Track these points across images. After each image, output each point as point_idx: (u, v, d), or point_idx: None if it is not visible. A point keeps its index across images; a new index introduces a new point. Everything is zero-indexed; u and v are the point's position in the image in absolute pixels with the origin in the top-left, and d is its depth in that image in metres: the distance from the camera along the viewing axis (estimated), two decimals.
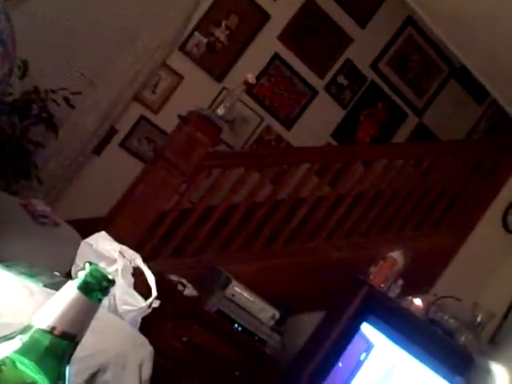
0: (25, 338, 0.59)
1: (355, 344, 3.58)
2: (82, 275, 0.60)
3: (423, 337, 3.70)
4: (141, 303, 1.90)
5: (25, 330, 0.60)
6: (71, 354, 0.61)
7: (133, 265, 1.99)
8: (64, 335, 0.60)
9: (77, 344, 0.61)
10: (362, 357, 3.60)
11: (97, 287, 0.61)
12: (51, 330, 0.59)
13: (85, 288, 0.60)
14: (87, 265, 0.61)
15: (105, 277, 0.61)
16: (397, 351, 3.66)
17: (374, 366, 3.60)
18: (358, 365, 3.60)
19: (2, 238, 2.30)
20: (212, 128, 3.61)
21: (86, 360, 1.61)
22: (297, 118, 5.16)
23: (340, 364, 3.59)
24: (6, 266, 1.92)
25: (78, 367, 1.61)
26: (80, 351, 1.62)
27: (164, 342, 3.25)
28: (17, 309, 1.56)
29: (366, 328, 3.62)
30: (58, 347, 0.60)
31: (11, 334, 0.61)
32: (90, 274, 0.60)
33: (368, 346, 3.59)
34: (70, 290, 0.60)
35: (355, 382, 3.55)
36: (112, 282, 0.62)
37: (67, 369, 0.61)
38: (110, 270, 1.89)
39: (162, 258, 3.72)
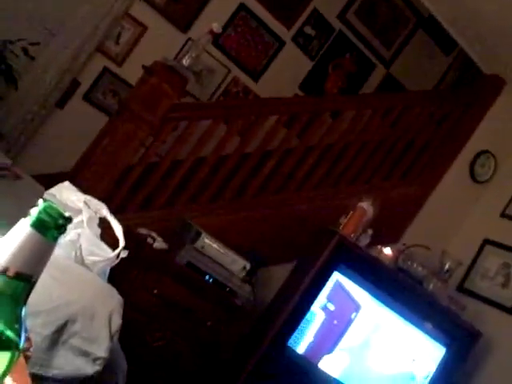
0: None
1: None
2: (35, 212, 0.56)
3: (393, 284, 3.74)
4: (108, 254, 1.87)
5: None
6: (27, 296, 0.57)
7: (98, 215, 1.95)
8: (18, 276, 0.56)
9: (33, 285, 0.57)
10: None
11: (52, 225, 0.56)
12: (4, 271, 0.55)
13: (39, 226, 0.56)
14: (40, 201, 0.57)
15: (60, 214, 0.57)
16: (368, 299, 3.70)
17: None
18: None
19: None
20: (178, 79, 3.53)
21: (54, 312, 1.59)
22: (264, 70, 5.09)
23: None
24: None
25: (45, 319, 1.59)
26: (47, 303, 1.59)
27: (135, 294, 3.23)
28: None
29: (338, 276, 3.65)
30: (12, 289, 0.56)
31: None
32: (44, 210, 0.56)
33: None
34: (23, 229, 0.56)
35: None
36: (68, 220, 0.58)
37: (23, 311, 0.58)
38: (76, 221, 1.85)
39: (130, 211, 3.67)
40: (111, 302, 1.72)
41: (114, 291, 1.77)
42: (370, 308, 3.71)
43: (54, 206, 0.57)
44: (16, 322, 0.57)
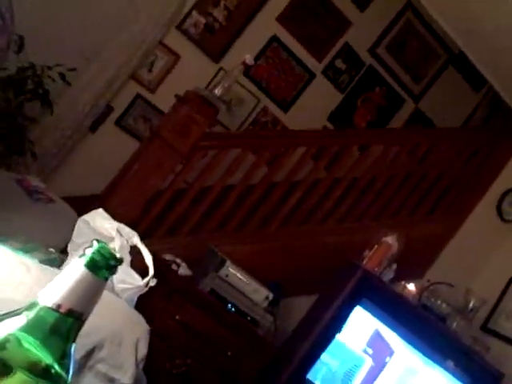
0: (30, 315, 0.58)
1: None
2: (89, 253, 0.59)
3: (416, 321, 3.72)
4: (138, 282, 1.90)
5: (30, 307, 0.59)
6: (77, 333, 0.60)
7: (130, 243, 1.99)
8: (70, 313, 0.59)
9: (83, 322, 0.60)
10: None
11: (104, 265, 0.60)
12: (57, 308, 0.58)
13: (92, 266, 0.59)
14: (95, 242, 0.60)
15: (112, 255, 0.60)
16: (397, 340, 3.68)
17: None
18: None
19: None
20: (209, 108, 3.59)
21: (84, 337, 1.61)
22: (294, 101, 5.14)
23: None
24: (1, 241, 1.90)
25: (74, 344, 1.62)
26: None
27: (157, 320, 3.24)
28: (14, 284, 1.55)
29: (360, 312, 3.63)
30: (63, 325, 0.59)
31: (16, 310, 0.60)
32: (98, 251, 0.59)
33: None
34: (77, 268, 0.59)
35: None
36: (119, 261, 0.61)
37: (73, 347, 0.61)
38: None
39: (157, 237, 3.71)
40: (139, 329, 1.74)
41: (141, 319, 1.80)
42: (400, 350, 3.69)
43: (107, 247, 0.60)
44: (65, 357, 0.60)
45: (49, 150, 4.20)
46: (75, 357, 1.61)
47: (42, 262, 1.84)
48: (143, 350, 1.72)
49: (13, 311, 0.60)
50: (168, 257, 3.55)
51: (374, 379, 3.66)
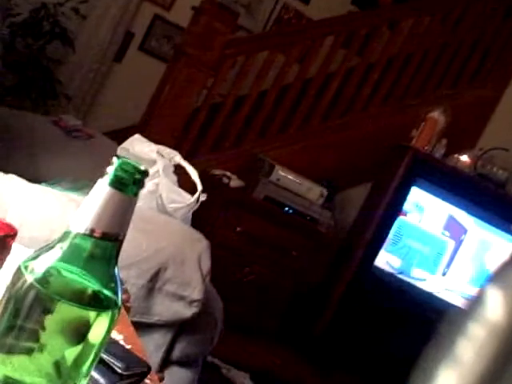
0: (65, 245, 0.57)
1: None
2: (111, 171, 0.57)
3: (474, 192, 3.66)
4: (188, 199, 1.90)
5: (63, 237, 0.57)
6: (118, 254, 0.59)
7: (173, 163, 1.98)
8: (105, 236, 0.57)
9: (121, 242, 0.58)
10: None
11: (130, 181, 0.57)
12: (91, 233, 0.56)
13: (117, 183, 0.56)
14: (115, 159, 0.57)
15: (136, 168, 0.57)
16: (451, 209, 3.65)
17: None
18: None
19: (41, 158, 2.31)
20: (228, 14, 3.49)
21: (145, 262, 1.64)
22: None
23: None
24: (51, 184, 1.92)
25: (138, 270, 1.64)
26: (138, 254, 1.64)
27: (219, 234, 3.30)
28: (67, 223, 1.57)
29: (417, 192, 3.60)
30: (101, 250, 0.57)
31: (49, 244, 0.58)
32: (120, 167, 0.57)
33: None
34: (103, 189, 0.57)
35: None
36: (145, 173, 0.58)
37: (116, 269, 0.59)
38: (152, 171, 1.89)
39: (202, 154, 3.71)
40: (198, 245, 1.75)
41: (199, 235, 1.80)
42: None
43: (129, 161, 0.57)
44: (111, 281, 0.59)
45: (80, 88, 4.18)
46: (142, 281, 1.64)
47: None
48: (207, 264, 1.74)
49: (46, 246, 0.58)
50: (217, 172, 3.56)
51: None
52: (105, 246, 0.57)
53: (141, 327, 1.44)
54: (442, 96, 4.21)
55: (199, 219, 2.19)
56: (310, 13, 4.92)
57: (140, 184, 0.58)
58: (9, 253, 0.88)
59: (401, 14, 4.29)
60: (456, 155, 3.82)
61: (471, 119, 4.24)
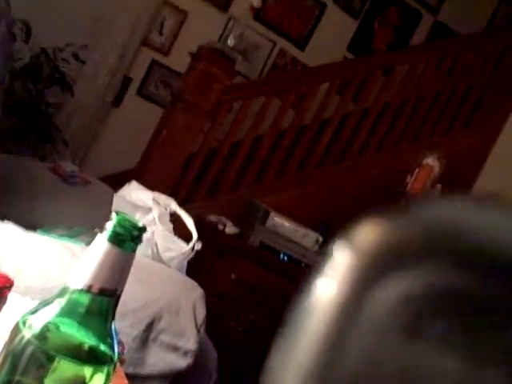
0: (63, 300, 0.57)
1: None
2: (110, 227, 0.57)
3: None
4: (183, 247, 1.90)
5: (62, 292, 0.58)
6: (115, 309, 0.59)
7: (169, 210, 1.98)
8: (103, 292, 0.57)
9: (118, 298, 0.58)
10: None
11: (128, 237, 0.57)
12: (89, 289, 0.56)
13: (115, 239, 0.57)
14: (114, 215, 0.57)
15: (134, 225, 0.57)
16: None
17: None
18: None
19: (37, 204, 2.31)
20: (225, 60, 3.53)
21: (140, 312, 1.63)
22: (309, 37, 5.02)
23: None
24: (46, 231, 1.92)
25: (133, 319, 1.63)
26: (132, 304, 1.63)
27: (214, 282, 3.28)
28: (62, 271, 1.56)
29: None
30: (99, 305, 0.57)
31: (48, 299, 0.58)
32: (119, 223, 0.57)
33: None
34: (101, 244, 0.57)
35: None
36: (143, 230, 0.58)
37: (113, 325, 0.59)
38: (147, 219, 1.88)
39: (198, 200, 3.71)
40: (193, 294, 1.74)
41: (194, 283, 1.80)
42: None
43: (128, 218, 0.58)
44: (108, 336, 0.58)
45: (77, 132, 4.21)
46: (136, 332, 1.63)
47: (89, 243, 1.85)
48: (201, 314, 1.72)
49: (45, 301, 0.58)
50: (213, 218, 3.55)
51: None
52: (102, 301, 0.58)
53: (134, 378, 1.42)
54: (437, 142, 4.25)
55: (194, 267, 2.18)
56: (306, 59, 5.00)
57: (138, 240, 0.58)
58: (5, 303, 0.88)
59: (395, 60, 4.36)
60: None
61: (465, 165, 4.27)
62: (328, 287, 0.29)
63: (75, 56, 3.99)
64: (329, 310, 0.29)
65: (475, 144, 4.35)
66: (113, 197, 2.09)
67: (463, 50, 4.42)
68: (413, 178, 3.70)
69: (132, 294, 1.59)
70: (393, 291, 0.27)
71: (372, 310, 0.27)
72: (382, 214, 0.30)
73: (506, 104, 4.42)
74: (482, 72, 4.44)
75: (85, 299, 0.57)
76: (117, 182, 3.04)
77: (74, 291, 0.57)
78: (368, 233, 0.29)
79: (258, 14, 4.50)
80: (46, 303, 0.58)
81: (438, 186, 3.75)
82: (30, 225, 1.78)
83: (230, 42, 3.53)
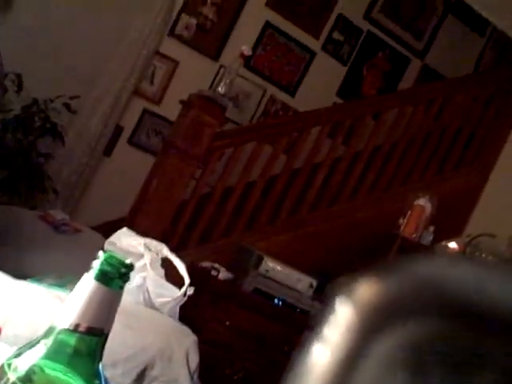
0: (49, 341, 0.55)
1: None
2: (97, 265, 0.56)
3: None
4: (175, 293, 1.87)
5: (48, 333, 0.56)
6: (102, 349, 0.57)
7: (160, 256, 1.96)
8: (90, 331, 0.55)
9: (106, 337, 0.57)
10: None
11: (115, 275, 0.56)
12: (75, 328, 0.55)
13: (102, 277, 0.55)
14: (101, 253, 0.56)
15: (122, 262, 0.56)
16: None
17: None
18: None
19: (28, 253, 2.29)
20: (216, 108, 3.55)
21: (132, 359, 1.59)
22: (299, 83, 5.08)
23: None
24: (36, 280, 1.89)
25: (124, 368, 1.59)
26: (124, 352, 1.60)
27: (208, 329, 3.23)
28: (50, 320, 1.54)
29: None
30: (86, 345, 0.56)
31: (33, 340, 0.56)
32: (106, 261, 0.56)
33: None
34: (88, 283, 0.56)
35: None
36: (130, 267, 0.57)
37: (100, 365, 0.57)
38: (139, 265, 1.86)
39: (191, 246, 3.69)
40: (186, 341, 1.71)
41: (187, 330, 1.77)
42: None
43: (115, 255, 0.57)
44: (95, 377, 0.56)
45: (68, 182, 4.20)
46: (128, 380, 1.59)
47: None
48: (194, 361, 1.69)
49: (30, 342, 0.56)
50: (205, 264, 3.52)
51: None
52: (90, 341, 0.56)
53: None
54: (428, 183, 4.26)
55: (187, 313, 2.15)
56: (296, 105, 5.05)
57: (125, 278, 0.57)
58: None
59: (384, 104, 4.41)
60: (444, 242, 3.82)
61: (458, 206, 4.28)
62: (327, 347, 0.32)
63: (67, 106, 4.01)
64: (330, 364, 0.31)
65: (467, 184, 4.37)
66: (104, 244, 2.07)
67: (451, 93, 4.47)
68: (405, 220, 3.70)
69: (123, 342, 1.56)
70: (389, 342, 0.30)
71: (371, 360, 0.30)
72: (377, 271, 0.34)
73: (495, 144, 4.46)
74: (471, 113, 4.49)
75: (72, 339, 0.55)
76: (108, 230, 3.02)
77: (60, 331, 0.55)
78: (366, 290, 0.33)
79: (248, 62, 4.56)
80: (31, 345, 0.56)
81: (431, 227, 3.75)
82: (19, 273, 1.76)
83: (221, 89, 3.56)
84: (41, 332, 0.58)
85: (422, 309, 0.30)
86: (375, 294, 0.32)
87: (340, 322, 0.32)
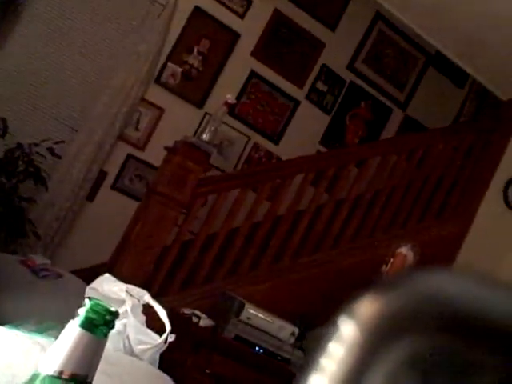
0: None
1: None
2: (82, 312, 0.56)
3: None
4: (156, 340, 1.85)
5: (32, 379, 0.56)
6: None
7: (142, 302, 1.94)
8: (74, 377, 0.55)
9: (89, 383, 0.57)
10: None
11: (100, 322, 0.56)
12: (59, 375, 0.55)
13: (87, 325, 0.56)
14: (87, 300, 0.56)
15: (107, 310, 0.56)
16: None
17: None
18: None
19: (7, 299, 2.26)
20: (200, 154, 3.58)
21: None
22: (283, 132, 5.14)
23: None
24: (15, 326, 1.86)
25: None
26: None
27: (188, 377, 3.18)
28: (30, 366, 1.51)
29: None
30: None
31: None
32: (91, 309, 0.56)
33: None
34: (73, 330, 0.56)
35: None
36: (115, 314, 0.57)
37: None
38: (120, 311, 1.84)
39: (172, 293, 3.67)
40: None
41: (166, 377, 1.74)
42: None
43: (100, 303, 0.57)
44: None
45: (50, 226, 4.18)
46: None
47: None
48: None
49: None
50: (187, 311, 3.49)
51: None
52: None
53: None
54: (410, 231, 4.29)
55: (168, 360, 2.12)
56: (280, 153, 5.10)
57: (110, 325, 0.57)
58: None
59: (367, 153, 4.47)
60: None
61: (439, 254, 4.30)
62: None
63: (51, 151, 4.02)
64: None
65: (449, 233, 4.40)
66: (85, 290, 2.05)
67: (432, 142, 4.55)
68: (387, 268, 3.70)
69: None
70: (391, 359, 0.30)
71: (374, 377, 0.31)
72: (377, 288, 0.34)
73: (475, 195, 4.52)
74: (452, 163, 4.56)
75: None
76: (90, 275, 2.99)
77: (44, 377, 0.55)
78: (367, 307, 0.34)
79: (233, 110, 4.62)
80: None
81: None
82: None
83: (206, 136, 3.59)
84: (19, 379, 0.58)
85: (423, 324, 0.31)
86: (377, 310, 0.33)
87: (343, 339, 0.33)
